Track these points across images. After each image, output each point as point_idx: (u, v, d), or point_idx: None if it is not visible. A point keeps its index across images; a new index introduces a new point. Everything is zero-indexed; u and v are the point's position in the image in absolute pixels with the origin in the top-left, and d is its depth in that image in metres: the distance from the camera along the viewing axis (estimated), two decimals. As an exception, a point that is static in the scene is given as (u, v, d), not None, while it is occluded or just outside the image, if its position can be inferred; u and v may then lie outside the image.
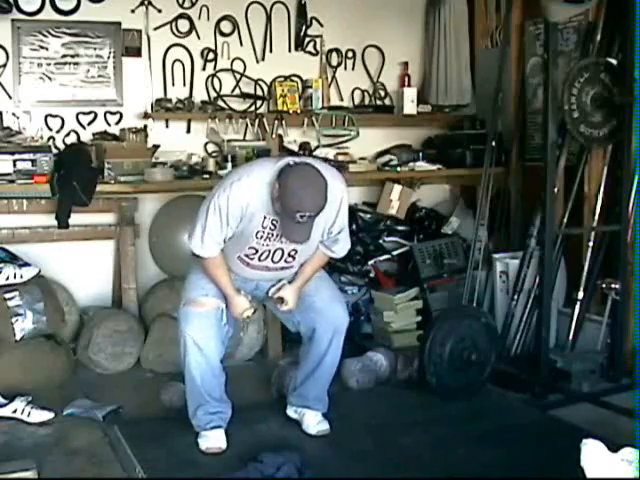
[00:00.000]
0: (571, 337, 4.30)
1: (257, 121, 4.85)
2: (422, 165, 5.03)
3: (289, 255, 3.14)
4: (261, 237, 3.06)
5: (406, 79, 5.29)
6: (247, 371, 4.28)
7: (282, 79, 5.01)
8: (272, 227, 3.03)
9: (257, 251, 3.10)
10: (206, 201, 3.07)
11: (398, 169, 4.96)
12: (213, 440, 3.19)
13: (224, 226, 3.02)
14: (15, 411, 3.55)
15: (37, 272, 4.08)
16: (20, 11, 4.45)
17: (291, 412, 3.45)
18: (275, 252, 3.11)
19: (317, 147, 4.93)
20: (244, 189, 2.98)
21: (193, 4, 4.82)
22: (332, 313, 3.26)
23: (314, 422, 3.35)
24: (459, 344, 3.77)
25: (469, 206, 5.25)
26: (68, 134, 4.62)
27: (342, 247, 3.26)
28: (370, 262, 4.95)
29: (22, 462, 3.00)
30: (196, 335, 3.11)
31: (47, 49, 4.54)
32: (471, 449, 3.18)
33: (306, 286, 3.26)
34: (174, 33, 4.81)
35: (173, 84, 4.82)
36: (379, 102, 5.34)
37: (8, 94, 4.49)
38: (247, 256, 3.13)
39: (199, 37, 4.86)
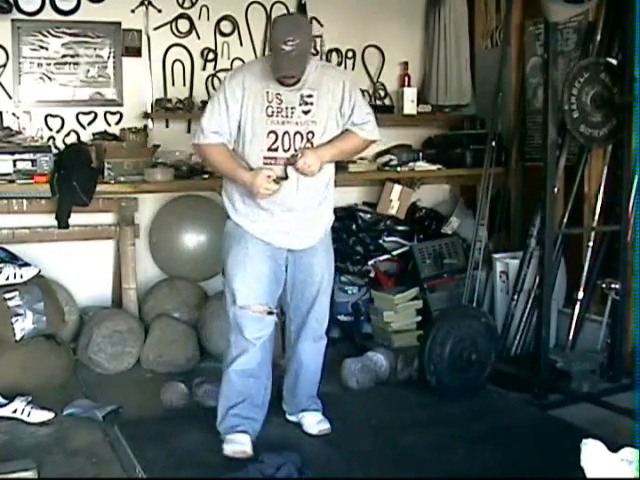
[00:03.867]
0: (571, 337, 4.30)
1: (257, 121, 4.84)
2: (422, 165, 5.03)
3: (307, 140, 3.10)
4: (272, 113, 3.06)
5: (406, 79, 5.29)
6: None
7: (282, 79, 5.01)
8: (278, 101, 3.07)
9: (277, 137, 3.07)
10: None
11: (398, 169, 4.95)
12: (239, 444, 3.13)
13: (223, 111, 3.08)
14: (15, 411, 3.55)
15: (37, 272, 4.08)
16: (20, 11, 4.45)
17: (291, 418, 3.45)
18: (295, 136, 3.09)
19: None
20: (238, 70, 3.22)
21: (193, 4, 4.82)
22: (312, 325, 3.31)
23: (314, 422, 3.36)
24: (459, 344, 3.78)
25: (469, 206, 5.25)
26: (68, 134, 4.62)
27: (372, 129, 3.27)
28: (370, 262, 4.95)
29: (22, 462, 3.00)
30: (251, 336, 3.14)
31: (47, 49, 4.54)
32: (471, 449, 3.18)
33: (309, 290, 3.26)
34: (174, 33, 4.81)
35: (173, 84, 4.82)
36: (379, 102, 5.33)
37: (8, 94, 4.49)
38: (270, 150, 3.09)
39: (199, 37, 4.86)
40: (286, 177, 3.08)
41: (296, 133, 3.10)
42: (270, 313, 3.18)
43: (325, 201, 3.27)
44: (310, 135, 3.12)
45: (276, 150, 3.10)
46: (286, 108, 3.08)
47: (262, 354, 3.21)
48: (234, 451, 3.11)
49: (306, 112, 3.11)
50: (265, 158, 3.10)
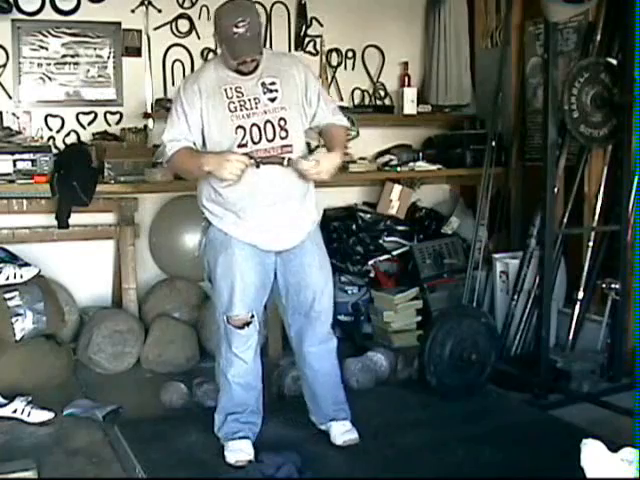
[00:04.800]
0: (571, 337, 4.30)
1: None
2: (422, 165, 5.03)
3: (280, 127, 2.99)
4: (235, 108, 2.97)
5: (406, 79, 5.29)
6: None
7: (282, 79, 5.01)
8: (239, 94, 2.98)
9: (245, 131, 2.97)
10: None
11: (398, 169, 4.96)
12: (240, 452, 3.09)
13: (183, 122, 3.00)
14: (15, 411, 3.55)
15: (37, 272, 4.08)
16: (20, 11, 4.45)
17: (322, 427, 3.33)
18: (265, 126, 2.98)
19: (317, 147, 4.92)
20: (191, 77, 3.14)
21: (193, 4, 4.83)
22: (320, 329, 3.22)
23: (340, 432, 3.23)
24: (459, 344, 3.77)
25: (469, 206, 5.25)
26: (68, 134, 4.63)
27: (341, 117, 3.22)
28: (370, 262, 4.94)
29: (22, 462, 3.00)
30: (238, 350, 3.09)
31: (47, 49, 4.55)
32: (471, 449, 3.17)
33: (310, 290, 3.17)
34: (174, 33, 4.81)
35: (173, 84, 4.81)
36: (379, 102, 5.34)
37: (8, 94, 4.50)
38: (240, 146, 2.97)
39: (199, 37, 4.85)
40: (283, 159, 2.97)
41: (266, 123, 2.99)
42: (248, 324, 3.08)
43: (307, 194, 3.15)
44: (282, 122, 3.00)
45: (245, 145, 2.97)
46: (249, 100, 2.98)
47: (254, 365, 3.16)
48: (237, 460, 3.06)
49: (272, 99, 3.01)
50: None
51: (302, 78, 3.10)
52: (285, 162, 2.98)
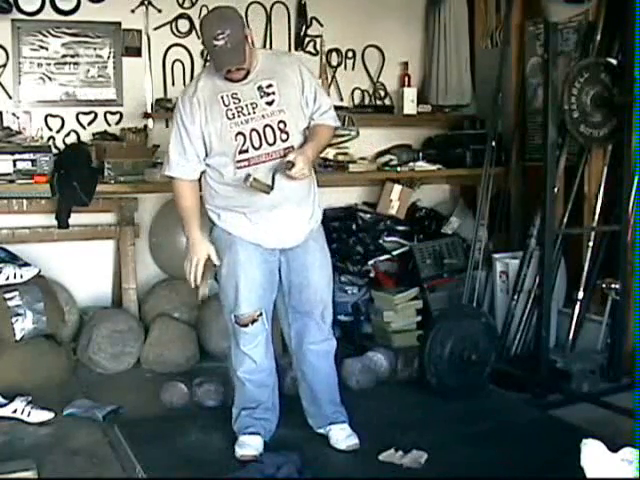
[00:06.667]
0: (571, 337, 4.30)
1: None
2: (422, 165, 5.03)
3: (280, 130, 3.00)
4: (233, 115, 2.97)
5: (406, 79, 5.29)
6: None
7: (282, 79, 5.01)
8: (236, 101, 2.98)
9: (245, 137, 2.97)
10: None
11: (398, 169, 4.95)
12: (247, 447, 3.12)
13: (185, 136, 3.01)
14: (15, 411, 3.55)
15: (37, 272, 4.08)
16: (20, 11, 4.45)
17: (320, 431, 3.34)
18: (265, 130, 2.99)
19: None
20: (188, 88, 3.09)
21: (193, 4, 4.82)
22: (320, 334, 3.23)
23: (342, 436, 3.24)
24: (459, 344, 3.78)
25: (469, 206, 5.25)
26: (68, 134, 4.62)
27: (333, 116, 3.19)
28: (370, 262, 4.94)
29: (22, 462, 3.00)
30: (246, 348, 3.11)
31: (47, 49, 4.54)
32: (471, 449, 3.18)
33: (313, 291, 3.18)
34: (174, 33, 4.81)
35: (173, 84, 4.82)
36: (379, 102, 5.34)
37: (8, 94, 4.49)
38: (241, 152, 2.98)
39: (199, 37, 4.82)
40: (272, 187, 2.94)
41: (265, 127, 2.98)
42: (254, 321, 3.09)
43: (309, 195, 3.16)
44: (282, 125, 3.00)
45: (247, 151, 2.99)
46: (246, 105, 2.98)
47: (266, 362, 3.18)
48: (243, 455, 3.10)
49: (270, 103, 3.00)
50: (237, 162, 2.99)
51: (298, 77, 3.08)
52: (270, 187, 2.94)
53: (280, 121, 3.01)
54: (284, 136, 3.02)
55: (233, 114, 2.98)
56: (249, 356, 3.13)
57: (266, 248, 3.10)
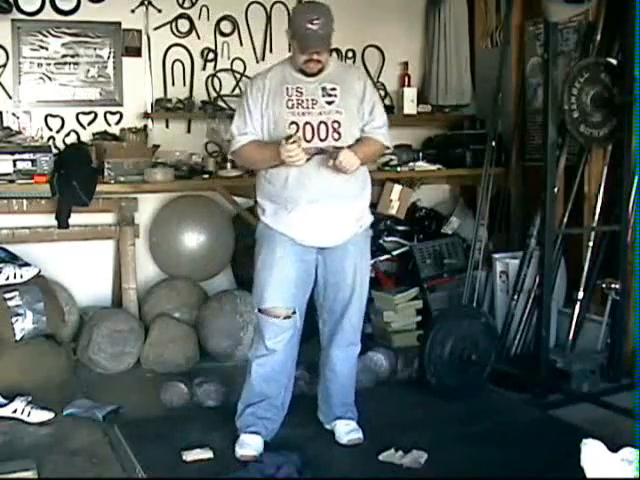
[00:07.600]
0: (571, 337, 4.30)
1: (257, 121, 4.85)
2: (422, 165, 5.03)
3: (333, 129, 3.08)
4: (292, 105, 3.07)
5: (406, 79, 5.30)
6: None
7: (282, 79, 5.01)
8: (298, 94, 3.09)
9: (298, 127, 3.06)
10: None
11: (398, 169, 4.95)
12: (247, 447, 3.12)
13: (247, 115, 3.12)
14: (15, 411, 3.55)
15: (37, 272, 4.09)
16: (20, 11, 4.45)
17: (327, 427, 3.38)
18: (319, 126, 3.08)
19: (317, 147, 4.93)
20: (258, 75, 3.23)
21: (193, 4, 4.82)
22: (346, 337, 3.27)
23: (345, 431, 3.28)
24: (459, 344, 3.78)
25: (469, 206, 5.25)
26: (68, 134, 4.63)
27: (388, 135, 3.26)
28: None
29: (22, 462, 3.00)
30: (269, 339, 3.12)
31: (47, 49, 4.55)
32: (471, 449, 3.17)
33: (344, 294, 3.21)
34: (174, 33, 4.81)
35: (173, 84, 4.82)
36: (379, 102, 5.34)
37: (8, 94, 4.50)
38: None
39: (199, 37, 4.86)
40: (308, 159, 2.99)
41: (320, 123, 3.08)
42: (287, 317, 3.12)
43: (360, 197, 3.21)
44: (336, 125, 3.09)
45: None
46: (307, 100, 3.09)
47: (283, 357, 3.18)
48: (242, 454, 3.10)
49: (330, 102, 3.10)
50: None
51: (362, 91, 3.18)
52: (307, 155, 2.99)
53: (335, 121, 3.10)
54: (336, 135, 3.09)
55: (292, 104, 3.09)
56: (269, 348, 3.13)
57: (304, 246, 3.12)
